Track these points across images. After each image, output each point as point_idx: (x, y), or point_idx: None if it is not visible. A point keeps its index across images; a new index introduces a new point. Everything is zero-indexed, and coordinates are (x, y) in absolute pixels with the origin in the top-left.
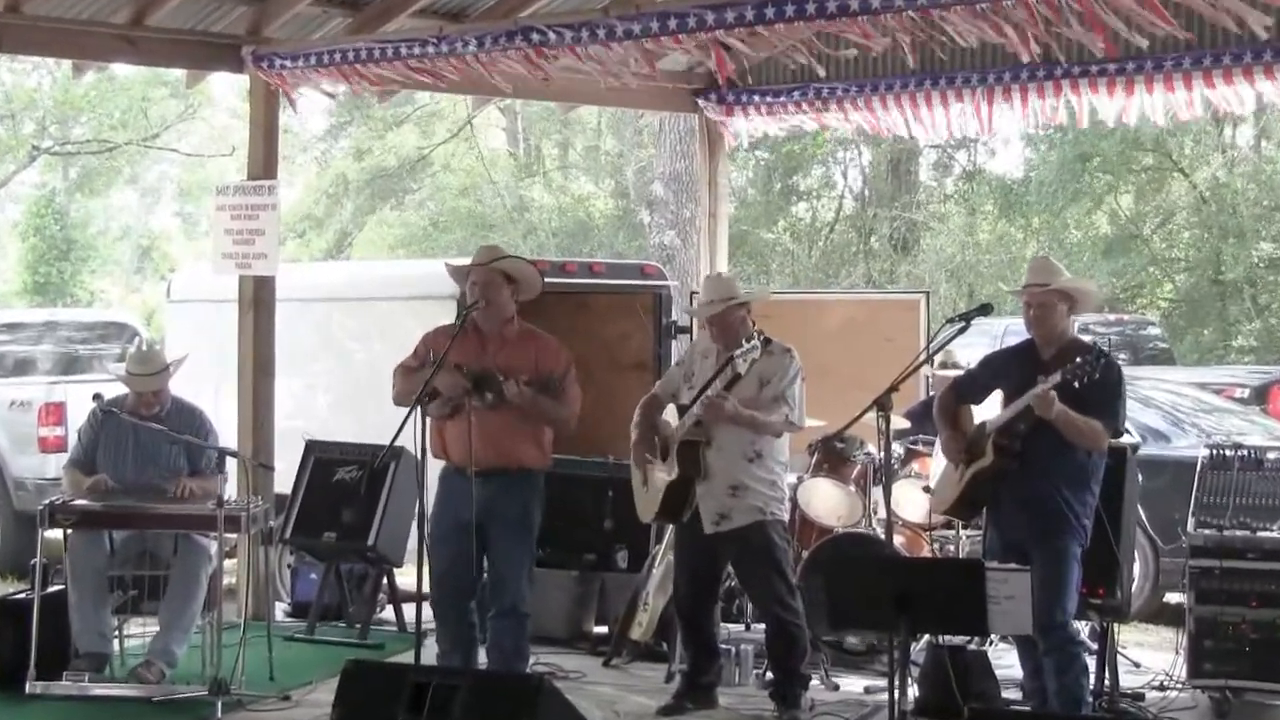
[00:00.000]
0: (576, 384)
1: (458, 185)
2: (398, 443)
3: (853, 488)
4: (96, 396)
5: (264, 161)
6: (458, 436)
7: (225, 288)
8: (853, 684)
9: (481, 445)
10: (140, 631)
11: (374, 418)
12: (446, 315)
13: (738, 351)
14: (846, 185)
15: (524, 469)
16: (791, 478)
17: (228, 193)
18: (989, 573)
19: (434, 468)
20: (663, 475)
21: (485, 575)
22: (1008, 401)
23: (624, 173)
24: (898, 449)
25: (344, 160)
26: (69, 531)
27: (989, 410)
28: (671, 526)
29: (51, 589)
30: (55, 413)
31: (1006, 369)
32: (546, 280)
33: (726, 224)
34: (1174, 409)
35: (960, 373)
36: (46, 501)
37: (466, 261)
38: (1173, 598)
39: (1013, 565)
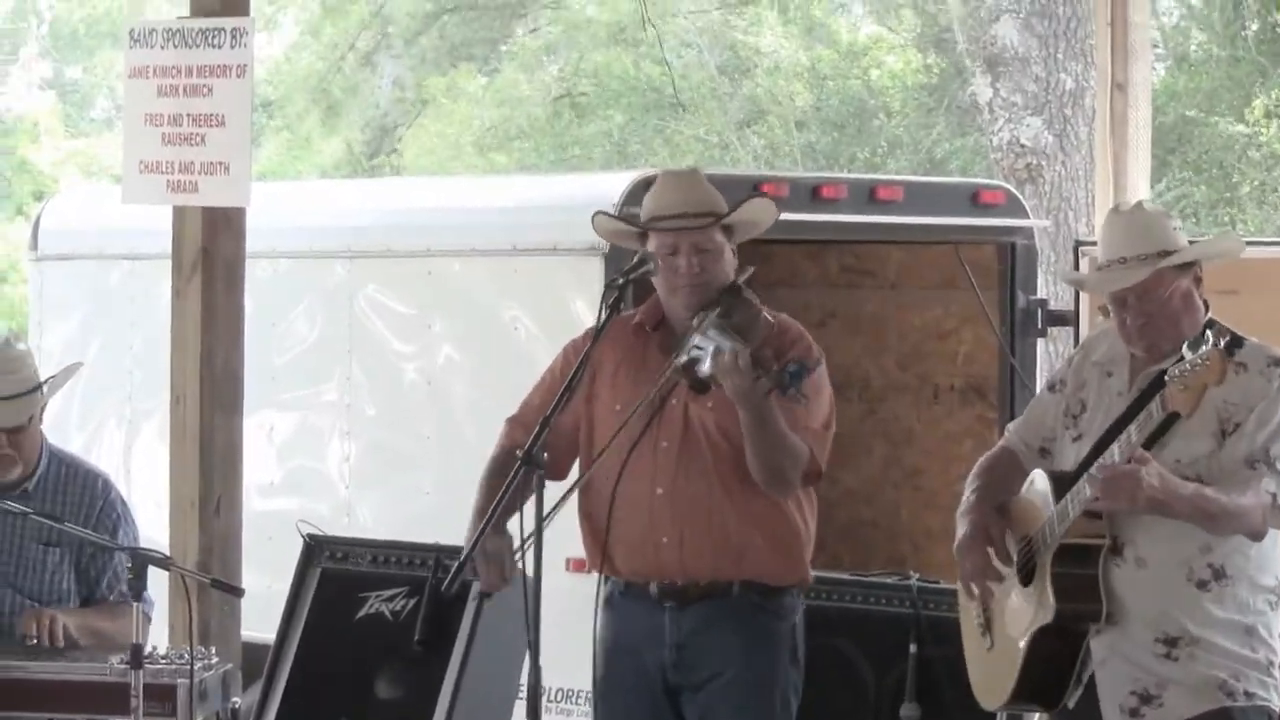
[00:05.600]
0: (830, 402)
1: (606, 26)
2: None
3: None
4: None
5: None
6: (634, 521)
7: (145, 231)
8: None
9: (678, 536)
10: None
11: (441, 493)
12: (585, 285)
13: (1176, 370)
14: None
15: (760, 587)
16: None
17: (150, 42)
18: None
19: (565, 585)
20: (1022, 611)
21: None
22: None
23: (939, 1)
24: None
25: None
26: None
27: None
28: (1038, 719)
29: None
30: None
31: None
32: (789, 219)
33: (1148, 106)
34: None
35: None
36: None
37: (623, 207)
38: None
39: None
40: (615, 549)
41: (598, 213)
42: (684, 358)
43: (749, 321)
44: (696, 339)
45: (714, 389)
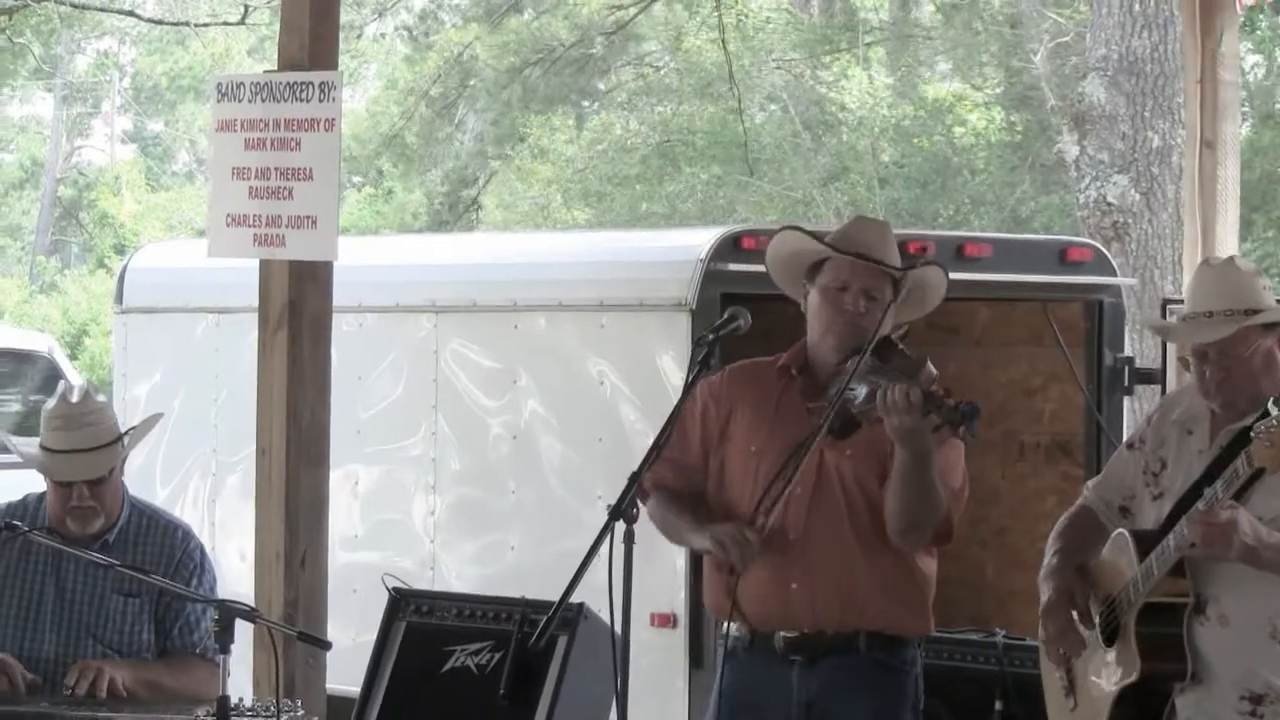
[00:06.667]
0: (964, 470)
1: (696, 79)
2: (575, 596)
3: None
4: None
5: (311, 37)
6: (764, 565)
7: (231, 284)
8: None
9: (809, 583)
10: None
11: (526, 547)
12: (672, 341)
13: (1262, 426)
14: None
15: (885, 639)
16: None
17: (237, 96)
18: None
19: (648, 640)
20: (1107, 671)
21: None
22: None
23: (1024, 56)
24: None
25: (463, 31)
26: None
27: None
28: None
29: None
30: None
31: None
32: None
33: (1237, 163)
34: None
35: None
36: None
37: (808, 238)
38: None
39: None
40: (743, 593)
41: (788, 227)
42: (838, 396)
43: (912, 366)
44: (851, 381)
45: (857, 435)
